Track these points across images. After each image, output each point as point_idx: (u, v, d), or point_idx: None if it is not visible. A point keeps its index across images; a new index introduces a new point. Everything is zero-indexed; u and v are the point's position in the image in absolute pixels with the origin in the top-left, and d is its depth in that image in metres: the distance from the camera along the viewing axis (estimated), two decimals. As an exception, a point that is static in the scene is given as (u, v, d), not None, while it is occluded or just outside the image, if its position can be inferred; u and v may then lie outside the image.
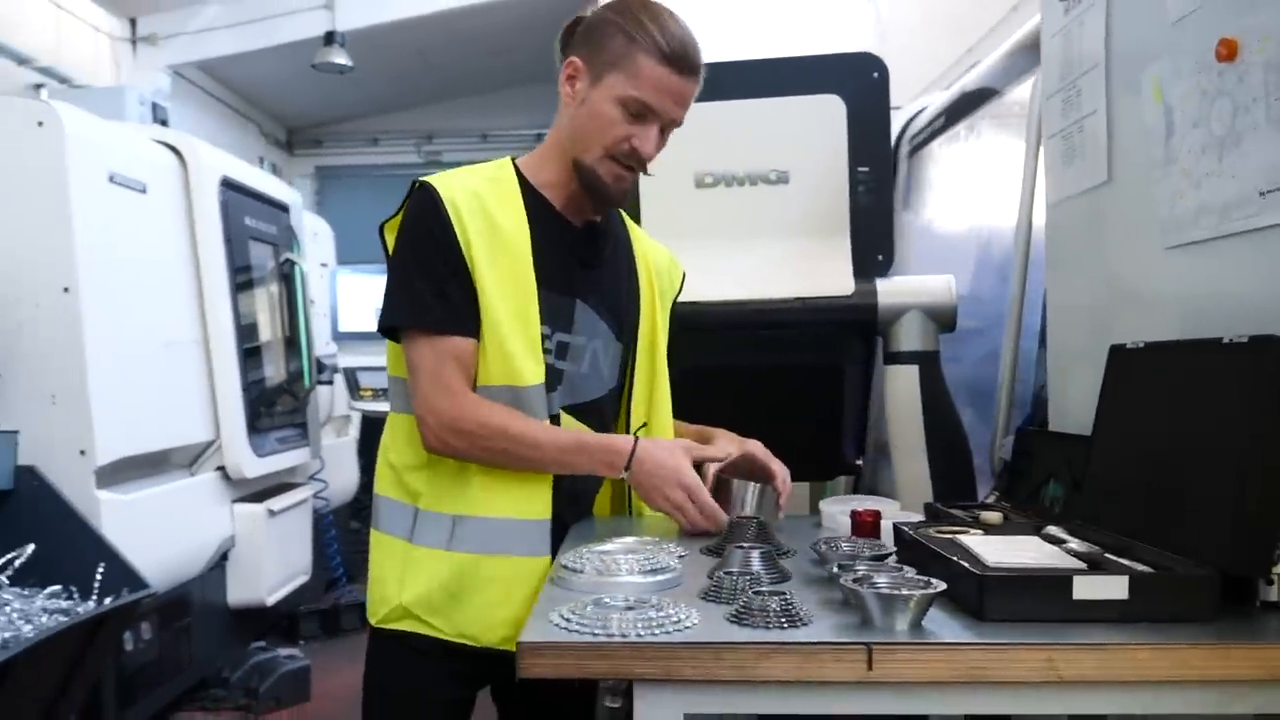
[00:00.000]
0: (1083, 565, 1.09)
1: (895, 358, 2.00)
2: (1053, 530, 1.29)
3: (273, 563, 3.62)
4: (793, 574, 1.24)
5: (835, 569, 1.12)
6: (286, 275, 4.02)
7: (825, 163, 2.03)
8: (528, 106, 9.05)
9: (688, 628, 1.00)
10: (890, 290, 2.00)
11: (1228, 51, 1.23)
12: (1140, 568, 1.09)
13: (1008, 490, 1.70)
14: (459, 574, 1.48)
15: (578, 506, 1.65)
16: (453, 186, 1.52)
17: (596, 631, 0.98)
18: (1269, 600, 1.06)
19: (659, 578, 1.17)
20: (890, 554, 1.23)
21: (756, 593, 1.04)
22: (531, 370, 1.50)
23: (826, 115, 2.01)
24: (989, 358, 2.44)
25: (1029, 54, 2.43)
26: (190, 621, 3.22)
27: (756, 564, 1.20)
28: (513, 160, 1.63)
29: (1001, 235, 2.82)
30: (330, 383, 4.48)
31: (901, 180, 3.11)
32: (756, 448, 1.64)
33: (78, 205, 2.73)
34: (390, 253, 1.56)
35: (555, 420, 1.56)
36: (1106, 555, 1.15)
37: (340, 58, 6.87)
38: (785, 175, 2.03)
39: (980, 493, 1.96)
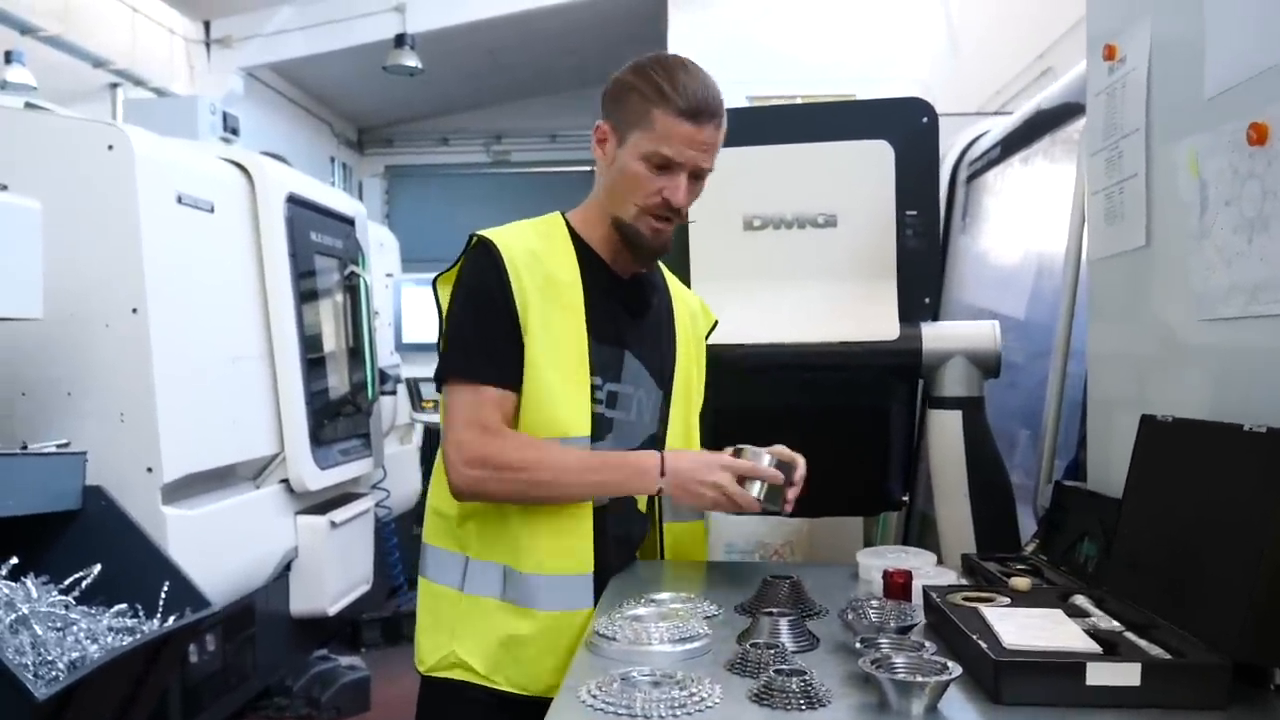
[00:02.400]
0: (1098, 649, 1.12)
1: (939, 403, 2.02)
2: (1079, 601, 1.32)
3: (335, 573, 3.71)
4: (821, 640, 1.28)
5: (859, 644, 1.16)
6: (351, 288, 4.13)
7: (873, 207, 2.06)
8: (596, 108, 9.14)
9: (710, 707, 1.05)
10: (934, 335, 2.02)
11: (1258, 135, 1.24)
12: (1156, 651, 1.11)
13: (1046, 542, 1.71)
14: (508, 625, 1.55)
15: (625, 549, 1.71)
16: (511, 243, 1.58)
17: (621, 711, 1.03)
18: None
19: (688, 647, 1.23)
20: (916, 625, 1.26)
21: (778, 671, 1.09)
22: (577, 422, 1.56)
23: (875, 160, 2.04)
24: (1041, 384, 2.44)
25: None
26: (254, 632, 3.33)
27: (784, 634, 1.25)
28: (562, 215, 1.69)
29: (1058, 263, 2.81)
30: (394, 393, 4.59)
31: (958, 205, 3.11)
32: (781, 448, 1.66)
33: (147, 227, 2.79)
34: (445, 306, 1.63)
35: None
36: (1125, 634, 1.17)
37: (410, 60, 7.01)
38: (833, 219, 2.06)
39: (1025, 535, 1.98)
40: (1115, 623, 1.21)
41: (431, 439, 5.20)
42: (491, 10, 7.32)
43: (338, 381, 3.96)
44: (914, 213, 2.05)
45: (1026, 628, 1.17)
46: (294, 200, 3.67)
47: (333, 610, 3.71)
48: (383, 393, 4.27)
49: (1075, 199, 1.96)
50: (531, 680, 1.55)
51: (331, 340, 3.94)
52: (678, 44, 8.44)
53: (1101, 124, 1.69)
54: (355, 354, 4.12)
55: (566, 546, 1.55)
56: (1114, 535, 1.40)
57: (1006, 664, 1.07)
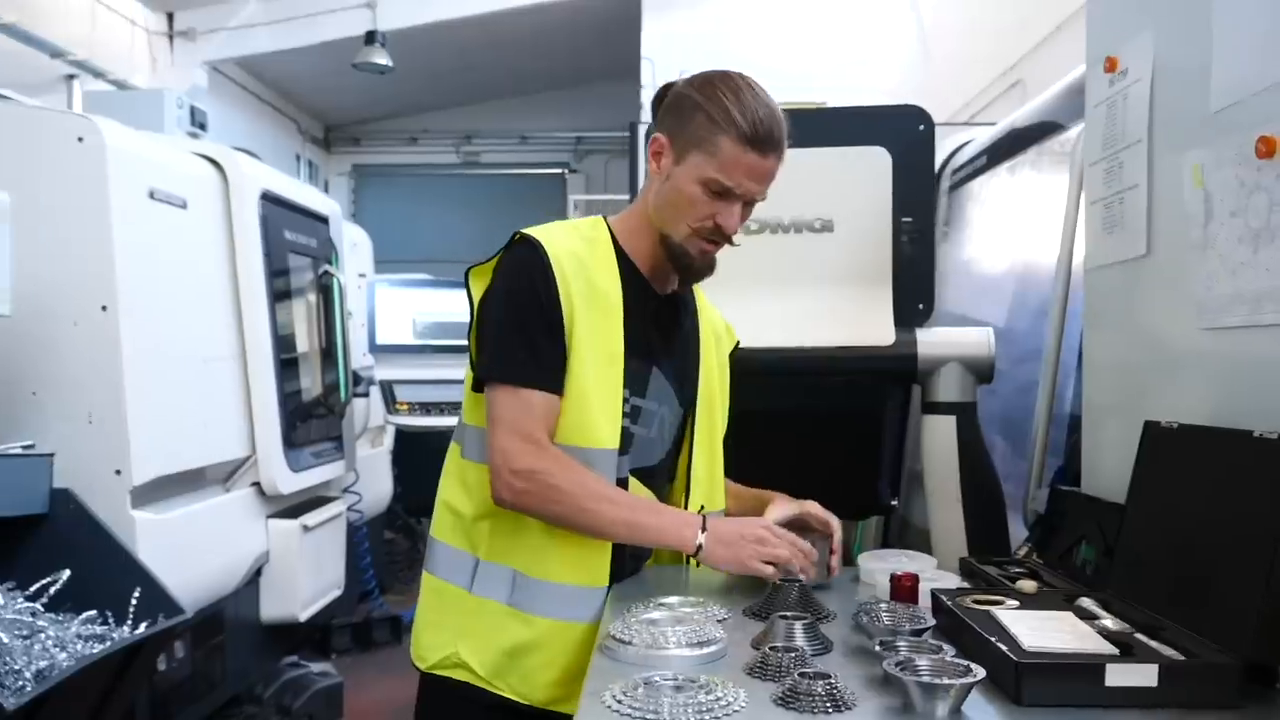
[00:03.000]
0: (1115, 650, 1.13)
1: (933, 408, 2.05)
2: (1086, 603, 1.33)
3: (306, 578, 3.65)
4: (834, 644, 1.28)
5: (878, 647, 1.17)
6: (324, 287, 4.08)
7: (870, 213, 2.07)
8: (568, 109, 9.13)
9: (736, 711, 1.05)
10: (930, 341, 2.04)
11: (1267, 149, 1.26)
12: (1169, 652, 1.13)
13: (1041, 545, 1.73)
14: (515, 633, 1.53)
15: (636, 562, 1.70)
16: (557, 244, 1.55)
17: (649, 716, 1.03)
18: (1288, 683, 1.11)
19: (705, 650, 1.22)
20: (929, 628, 1.27)
21: (803, 674, 1.09)
22: (608, 434, 1.54)
23: (872, 166, 2.05)
24: (1021, 391, 2.47)
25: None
26: (224, 638, 3.26)
27: (800, 638, 1.25)
28: (605, 220, 1.67)
29: (1039, 271, 2.85)
30: (367, 395, 4.55)
31: (941, 214, 3.14)
32: (813, 506, 1.69)
33: (118, 222, 2.71)
34: (480, 300, 1.59)
35: (624, 484, 1.60)
36: (1136, 636, 1.19)
37: (381, 58, 6.95)
38: (830, 224, 2.08)
39: (1012, 540, 2.00)
40: (1124, 625, 1.23)
41: (405, 442, 5.16)
42: (463, 9, 7.29)
43: (310, 383, 3.90)
44: (910, 219, 2.07)
45: (1041, 630, 1.19)
46: (268, 197, 3.61)
47: (304, 616, 3.65)
48: (356, 395, 4.23)
49: (1068, 209, 1.98)
50: (533, 690, 1.54)
51: (304, 341, 3.89)
52: (651, 48, 8.47)
53: (1101, 135, 1.72)
54: (328, 355, 4.07)
55: (585, 558, 1.54)
56: (1116, 539, 1.42)
57: (1028, 666, 1.08)
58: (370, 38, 7.01)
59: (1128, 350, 1.65)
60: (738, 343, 1.86)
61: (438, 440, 5.50)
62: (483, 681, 1.55)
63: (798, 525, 1.67)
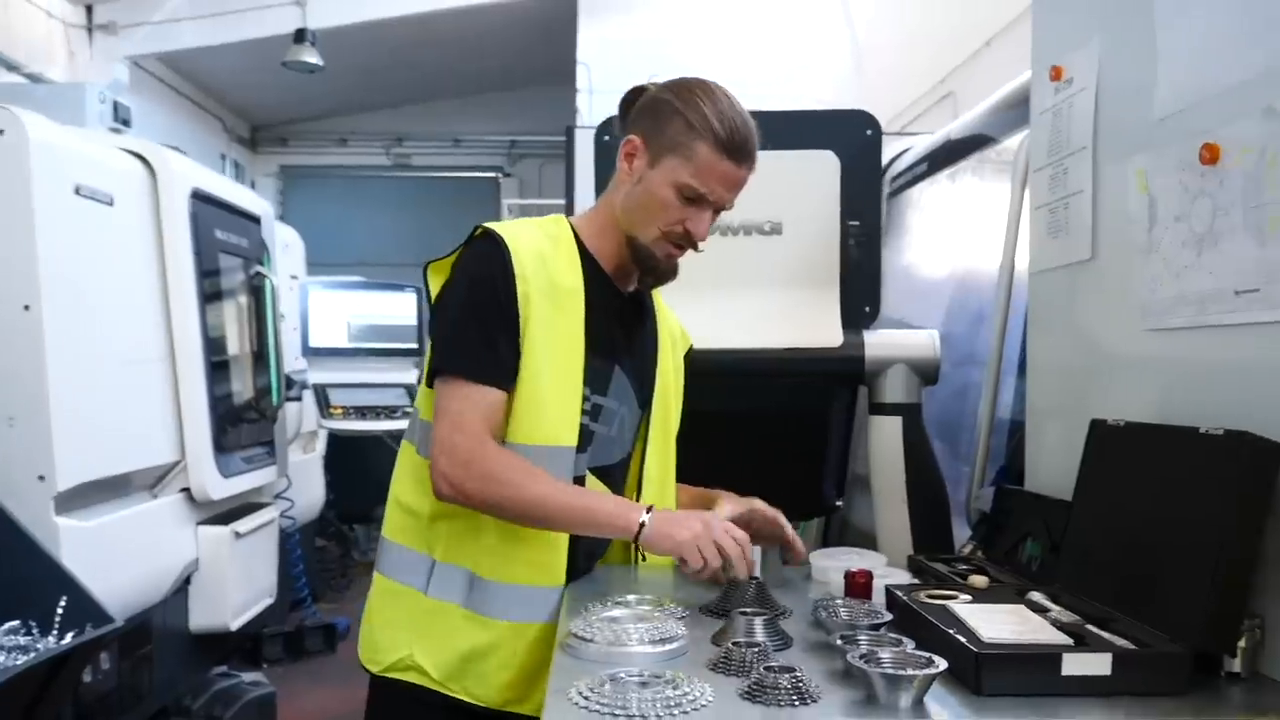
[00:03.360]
0: (1069, 641, 1.16)
1: (880, 409, 2.07)
2: (1036, 597, 1.36)
3: (238, 586, 3.57)
4: (794, 639, 1.29)
5: (839, 641, 1.18)
6: (256, 289, 4.00)
7: (818, 216, 2.09)
8: (501, 113, 9.09)
9: (704, 705, 1.05)
10: (877, 343, 2.07)
11: (1211, 155, 1.30)
12: (1121, 642, 1.16)
13: (987, 543, 1.77)
14: (472, 635, 1.51)
15: (590, 561, 1.69)
16: (519, 240, 1.54)
17: (617, 712, 1.02)
18: (1232, 671, 1.16)
19: (667, 647, 1.22)
20: (886, 621, 1.29)
21: (768, 668, 1.09)
22: (565, 431, 1.53)
23: (821, 170, 2.08)
24: (956, 395, 2.52)
25: (1021, 110, 2.54)
26: (151, 649, 3.16)
27: (760, 633, 1.26)
28: (567, 219, 1.67)
29: (976, 277, 2.92)
30: (299, 399, 4.46)
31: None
32: (760, 504, 1.70)
33: (41, 219, 2.62)
34: (437, 295, 1.58)
35: (581, 481, 1.60)
36: (1087, 627, 1.22)
37: (311, 56, 6.84)
38: (779, 226, 2.09)
39: (956, 539, 2.04)
40: (1074, 617, 1.26)
41: (338, 446, 5.07)
42: (396, 9, 7.22)
43: (242, 386, 3.82)
44: (857, 223, 2.09)
45: (997, 622, 1.21)
46: (199, 195, 3.52)
47: (235, 625, 3.56)
48: (288, 399, 4.14)
49: (1010, 215, 2.03)
50: (488, 691, 1.52)
51: (235, 343, 3.80)
52: (587, 53, 8.48)
53: (1046, 142, 1.76)
54: (260, 358, 3.99)
55: (542, 558, 1.53)
56: (1063, 535, 1.45)
57: (988, 657, 1.10)
58: (300, 35, 6.90)
59: (1071, 351, 1.69)
60: (691, 346, 1.87)
61: (371, 445, 5.46)
62: (436, 684, 1.52)
63: (742, 524, 1.68)
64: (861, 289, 2.12)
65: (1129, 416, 1.43)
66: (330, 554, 5.45)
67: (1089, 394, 1.61)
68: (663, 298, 1.85)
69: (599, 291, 1.60)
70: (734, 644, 1.19)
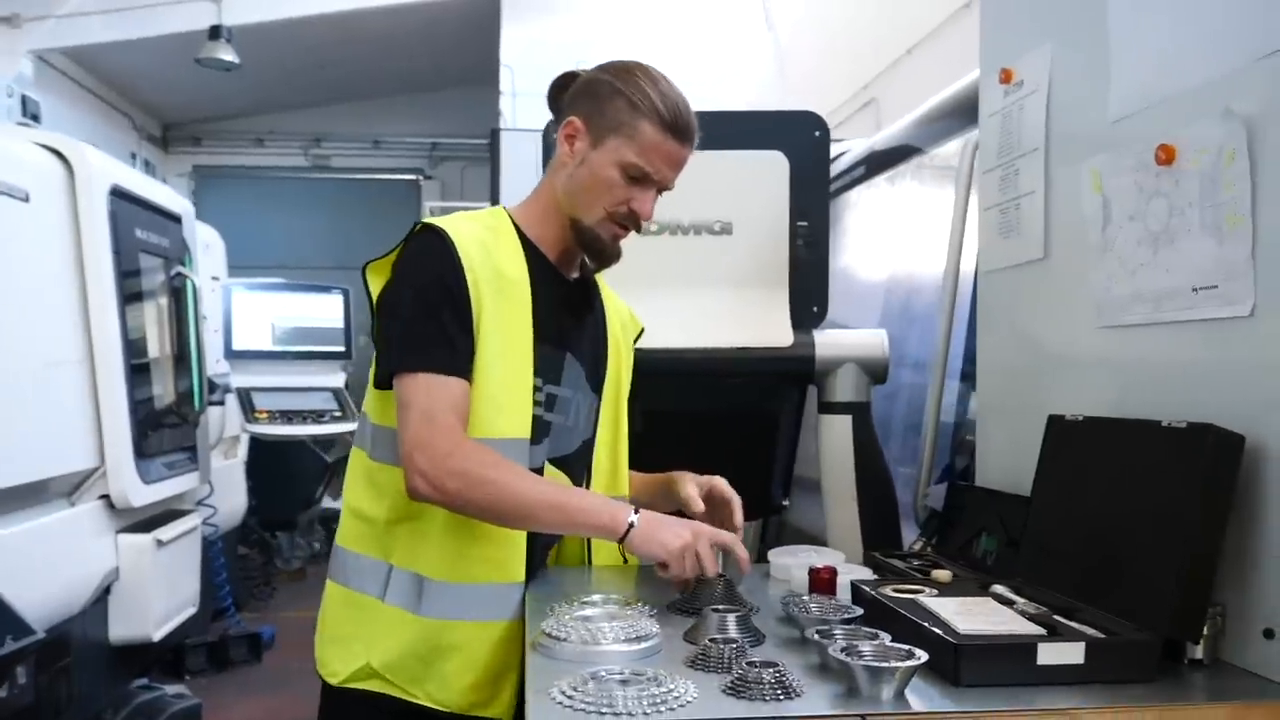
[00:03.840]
0: (1042, 631, 1.17)
1: (829, 408, 2.09)
2: (1000, 589, 1.38)
3: (160, 596, 3.45)
4: (766, 635, 1.29)
5: (814, 635, 1.18)
6: (177, 290, 3.88)
7: (767, 216, 2.10)
8: (423, 115, 8.97)
9: (689, 702, 1.04)
10: (827, 343, 2.09)
11: (1166, 156, 1.34)
12: (1090, 631, 1.18)
13: (940, 539, 1.79)
14: (428, 638, 1.48)
15: (545, 555, 1.68)
16: (461, 232, 1.51)
17: (604, 710, 1.00)
18: (1194, 658, 1.19)
19: (642, 645, 1.21)
20: (857, 615, 1.29)
21: (750, 664, 1.08)
22: (517, 424, 1.51)
23: (770, 170, 2.09)
24: (887, 396, 2.56)
25: (952, 119, 2.60)
26: (70, 661, 3.04)
27: (734, 629, 1.25)
28: (505, 210, 1.64)
29: (908, 279, 2.97)
30: (222, 403, 4.33)
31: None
32: (720, 482, 1.68)
33: None
34: (380, 294, 1.54)
35: (539, 471, 1.57)
36: (1055, 617, 1.24)
37: (226, 54, 6.66)
38: (729, 226, 2.10)
39: (905, 538, 2.06)
40: (1040, 608, 1.27)
41: (261, 451, 4.93)
42: (316, 6, 7.08)
43: (163, 390, 3.70)
44: (805, 224, 2.11)
45: (970, 614, 1.22)
46: (118, 193, 3.40)
47: (158, 636, 3.44)
48: (210, 403, 4.02)
49: (955, 216, 2.06)
50: (451, 695, 1.48)
51: (156, 346, 3.68)
52: (510, 55, 8.42)
53: (996, 144, 1.79)
54: (181, 361, 3.87)
55: (499, 555, 1.50)
56: (1023, 529, 1.48)
57: (966, 648, 1.11)
58: (215, 32, 6.71)
59: (1022, 349, 1.72)
60: (642, 329, 1.85)
61: (294, 450, 5.32)
62: (398, 690, 1.48)
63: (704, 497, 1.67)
64: (809, 289, 2.14)
65: (1082, 412, 1.46)
66: (253, 562, 5.31)
67: (1040, 391, 1.65)
68: (615, 295, 1.84)
69: (544, 279, 1.58)
70: (711, 640, 1.18)
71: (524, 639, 1.49)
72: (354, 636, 1.52)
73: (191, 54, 6.66)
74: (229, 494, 4.59)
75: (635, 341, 1.84)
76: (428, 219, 1.55)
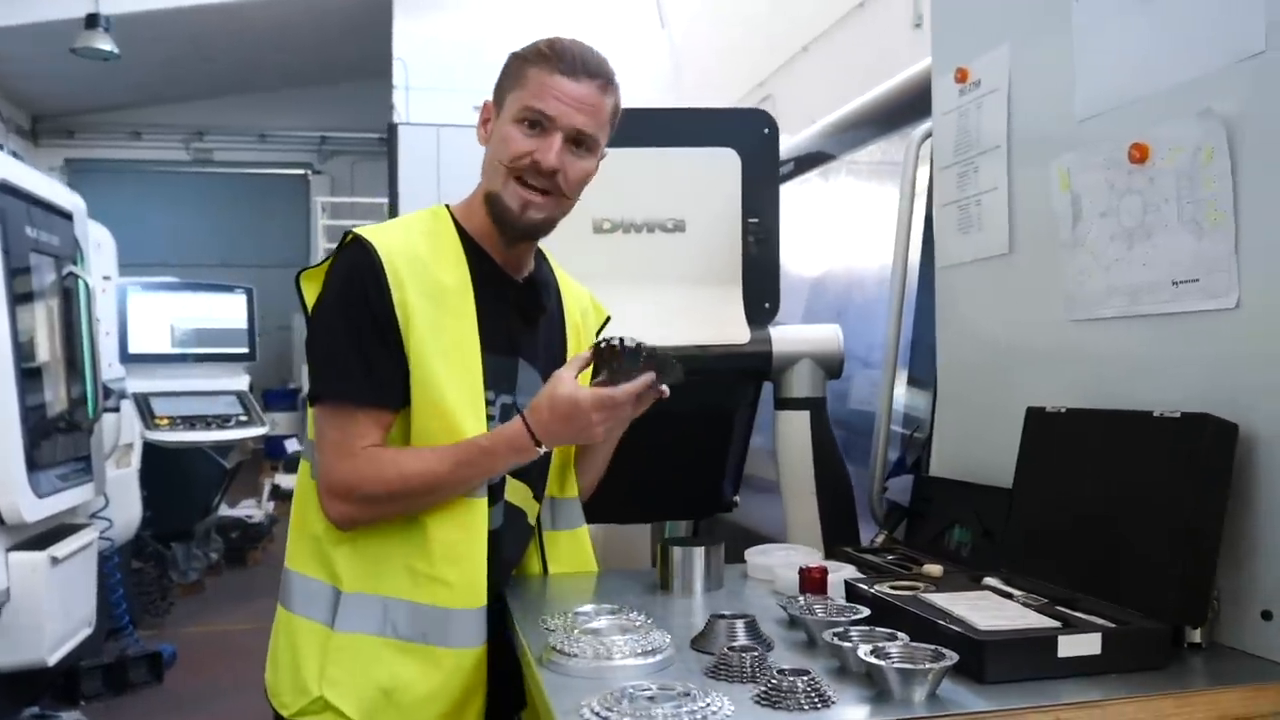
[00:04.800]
0: (1058, 624, 1.18)
1: (786, 404, 2.09)
2: (992, 582, 1.40)
3: (55, 617, 3.24)
4: (774, 640, 1.27)
5: (831, 638, 1.16)
6: (69, 291, 3.65)
7: (720, 213, 2.10)
8: (312, 108, 8.69)
9: (728, 715, 1.01)
10: (783, 339, 2.09)
11: (1140, 155, 1.37)
12: (1100, 621, 1.20)
13: (909, 532, 1.81)
14: (393, 667, 1.42)
15: (508, 570, 1.63)
16: (392, 246, 1.45)
17: (650, 727, 0.97)
18: (1193, 642, 1.22)
19: (656, 658, 1.17)
20: (864, 615, 1.28)
21: (780, 672, 1.06)
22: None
23: (722, 167, 2.08)
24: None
25: (868, 127, 2.66)
26: (-45, 691, 2.85)
27: (743, 636, 1.23)
28: (448, 208, 1.58)
29: (835, 275, 3.01)
30: (117, 409, 4.10)
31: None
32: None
33: None
34: (312, 309, 1.49)
35: (501, 486, 1.53)
36: (1058, 608, 1.25)
37: (104, 43, 6.33)
38: (682, 224, 2.08)
39: (863, 533, 2.08)
40: (1040, 599, 1.29)
41: (155, 458, 4.68)
42: (198, -5, 6.79)
43: (54, 397, 3.49)
44: (756, 220, 2.10)
45: (982, 610, 1.23)
46: (6, 188, 3.19)
47: (52, 660, 3.24)
48: (105, 409, 3.80)
49: (901, 212, 2.08)
50: None
51: (47, 350, 3.47)
52: (403, 49, 8.23)
53: (952, 141, 1.81)
54: (74, 365, 3.65)
55: (459, 578, 1.44)
56: (1005, 520, 1.50)
57: (991, 644, 1.11)
58: (93, 20, 6.37)
59: (985, 342, 1.75)
60: (608, 317, 1.80)
61: (193, 457, 5.08)
62: None
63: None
64: (761, 285, 2.14)
65: (1051, 403, 1.49)
66: (148, 576, 5.04)
67: (1006, 384, 1.67)
68: (575, 284, 1.78)
69: (490, 283, 1.52)
70: (730, 649, 1.16)
71: (489, 663, 1.45)
72: (303, 666, 1.45)
73: (66, 43, 6.30)
74: (124, 505, 4.35)
75: (601, 330, 1.78)
76: (359, 228, 1.50)
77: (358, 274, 1.43)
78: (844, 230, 3.05)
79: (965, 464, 1.78)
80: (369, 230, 1.49)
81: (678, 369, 1.52)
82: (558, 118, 1.46)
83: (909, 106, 2.47)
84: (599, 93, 1.49)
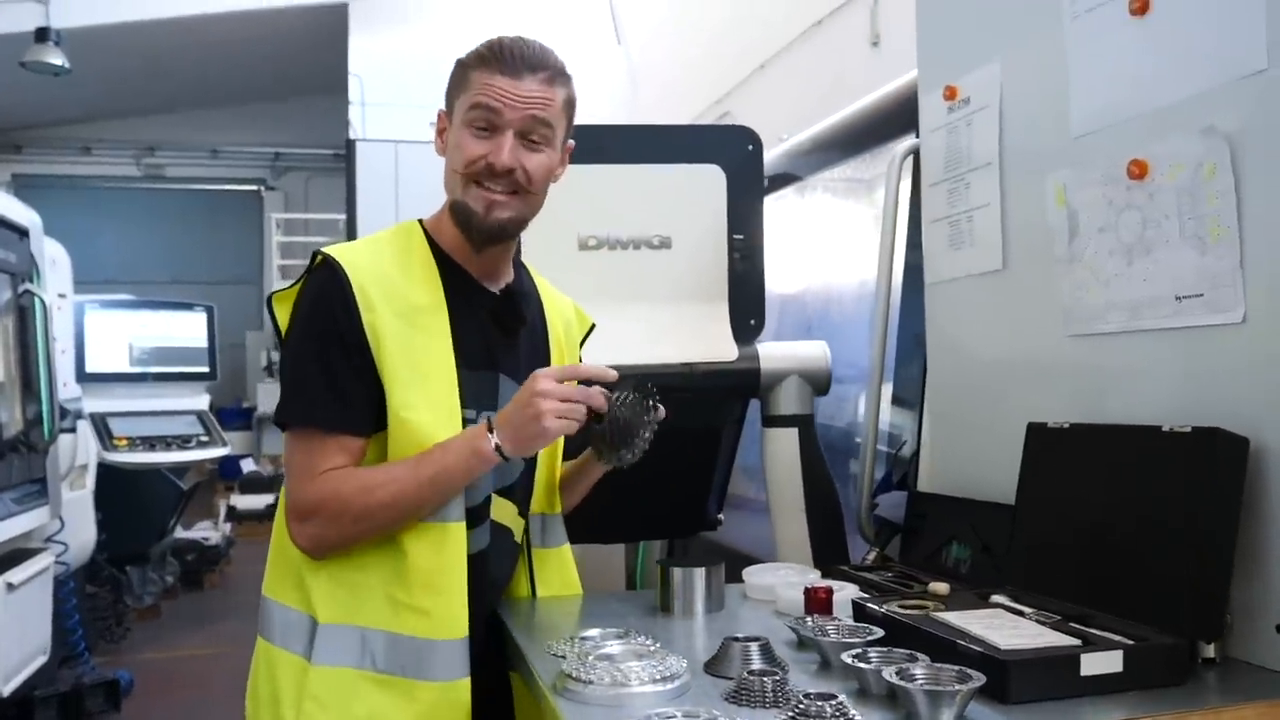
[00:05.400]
0: (1078, 642, 1.18)
1: (774, 421, 2.08)
2: (1000, 599, 1.39)
3: (10, 645, 3.15)
4: (788, 662, 1.25)
5: (849, 660, 1.15)
6: (24, 309, 3.56)
7: (705, 230, 2.09)
8: (265, 124, 8.58)
9: (759, 741, 0.99)
10: (770, 355, 2.08)
11: (1139, 171, 1.38)
12: (1117, 638, 1.19)
13: (904, 549, 1.80)
14: (372, 703, 1.37)
15: (496, 592, 1.59)
16: (361, 266, 1.42)
17: (685, 757, 0.94)
18: (1207, 657, 1.22)
19: (674, 685, 1.15)
20: (879, 636, 1.27)
21: (807, 696, 1.04)
22: None
23: (708, 184, 2.07)
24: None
25: (831, 150, 2.68)
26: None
27: (758, 660, 1.21)
28: (420, 223, 1.55)
29: (808, 291, 3.02)
30: (73, 430, 3.99)
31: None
32: (583, 367, 1.57)
33: None
34: (283, 332, 1.46)
35: (485, 505, 1.50)
36: (1071, 625, 1.25)
37: (55, 58, 6.19)
38: (668, 240, 2.07)
39: (851, 551, 2.07)
40: (1052, 616, 1.28)
41: (111, 479, 4.55)
42: (152, 11, 6.68)
43: (9, 418, 3.39)
44: (741, 236, 2.10)
45: (999, 629, 1.21)
46: (-42, 204, 3.10)
47: (8, 690, 3.14)
48: (61, 430, 3.70)
49: (885, 228, 2.08)
50: None
51: (1, 369, 3.37)
52: (359, 65, 8.16)
53: (941, 158, 1.82)
54: (29, 386, 3.55)
55: (439, 607, 1.39)
56: (1010, 537, 1.49)
57: (1014, 664, 1.10)
58: (43, 34, 6.22)
59: (977, 358, 1.75)
60: (592, 326, 1.77)
61: (149, 478, 4.96)
62: None
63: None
64: (747, 302, 2.13)
65: (1049, 418, 1.49)
66: (103, 601, 4.90)
67: (1000, 399, 1.67)
68: (557, 294, 1.75)
69: (465, 298, 1.50)
70: (750, 673, 1.14)
71: (471, 697, 1.40)
72: (279, 701, 1.40)
73: (15, 57, 6.15)
74: (79, 528, 4.23)
75: (585, 339, 1.76)
76: (328, 248, 1.47)
77: (325, 297, 1.41)
78: (818, 245, 3.07)
79: (957, 480, 1.78)
80: (338, 250, 1.46)
81: (653, 393, 1.51)
82: (505, 116, 1.44)
83: (882, 124, 2.48)
84: (545, 85, 1.47)
